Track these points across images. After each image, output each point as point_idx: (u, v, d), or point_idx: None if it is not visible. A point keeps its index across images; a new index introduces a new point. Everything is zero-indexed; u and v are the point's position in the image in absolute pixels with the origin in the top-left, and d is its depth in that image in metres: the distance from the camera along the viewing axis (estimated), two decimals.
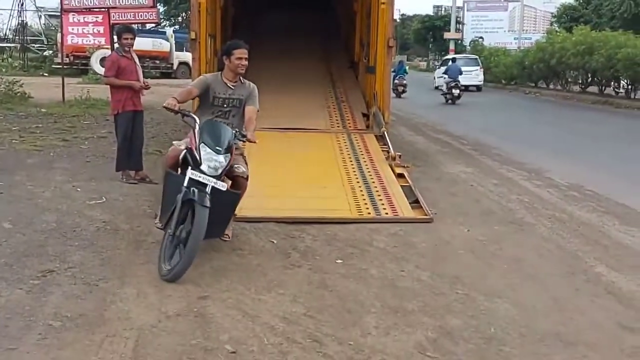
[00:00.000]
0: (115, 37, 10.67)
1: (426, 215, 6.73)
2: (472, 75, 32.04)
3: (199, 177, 4.86)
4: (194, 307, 4.25)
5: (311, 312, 4.26)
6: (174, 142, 5.63)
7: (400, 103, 22.93)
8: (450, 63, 27.02)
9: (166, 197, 5.14)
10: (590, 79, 28.50)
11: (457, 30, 56.81)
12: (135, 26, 19.03)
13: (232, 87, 5.48)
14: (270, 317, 4.15)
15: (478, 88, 33.09)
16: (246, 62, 5.45)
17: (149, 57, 32.83)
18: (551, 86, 32.82)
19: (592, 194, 8.17)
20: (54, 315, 4.01)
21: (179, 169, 5.20)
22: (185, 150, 5.15)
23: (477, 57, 36.81)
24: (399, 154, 8.48)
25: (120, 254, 5.25)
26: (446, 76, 25.67)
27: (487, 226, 6.48)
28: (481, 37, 55.76)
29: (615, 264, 5.39)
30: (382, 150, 8.98)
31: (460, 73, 25.63)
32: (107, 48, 16.98)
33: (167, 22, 51.46)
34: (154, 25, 31.94)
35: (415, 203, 7.06)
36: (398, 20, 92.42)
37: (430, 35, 64.09)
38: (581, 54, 26.55)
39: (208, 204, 4.78)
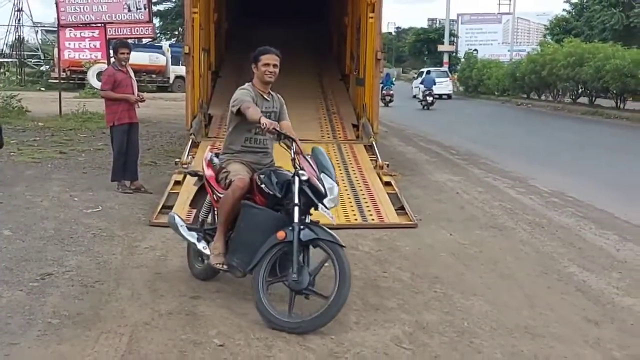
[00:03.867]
0: (111, 52, 10.97)
1: (411, 221, 7.00)
2: (443, 85, 36.19)
3: (326, 212, 4.38)
4: (185, 307, 4.50)
5: (295, 310, 4.50)
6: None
7: (390, 113, 24.42)
8: (425, 75, 32.78)
9: (244, 235, 4.47)
10: (580, 90, 28.87)
11: (451, 42, 57.35)
12: (131, 41, 19.39)
13: (268, 100, 4.87)
14: (257, 315, 4.37)
15: (448, 96, 37.31)
16: (275, 70, 4.78)
17: (146, 71, 33.22)
18: (543, 97, 33.24)
19: (572, 200, 8.45)
20: (52, 313, 4.26)
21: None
22: (261, 178, 4.56)
23: (446, 70, 42.49)
24: (387, 162, 8.77)
25: (115, 259, 5.51)
26: (422, 86, 30.44)
27: (469, 231, 6.74)
28: (475, 50, 56.24)
29: (588, 264, 5.66)
30: (371, 160, 9.26)
31: (434, 83, 30.49)
32: (103, 62, 17.29)
33: (164, 36, 51.87)
34: (150, 39, 32.34)
35: (401, 209, 7.34)
36: (393, 34, 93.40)
37: (425, 48, 64.57)
38: (571, 65, 26.94)
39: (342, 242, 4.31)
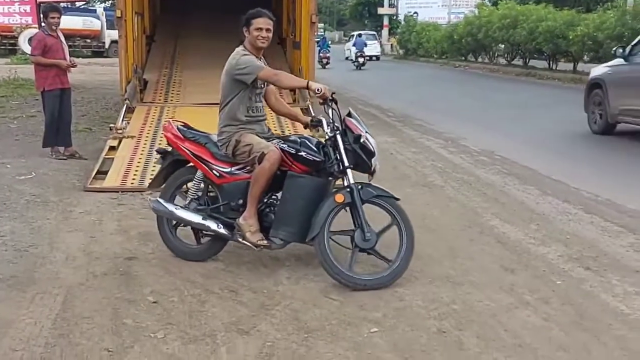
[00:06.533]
0: (42, 16, 10.71)
1: None
2: (372, 47, 38.56)
3: (376, 165, 4.57)
4: (120, 267, 4.60)
5: (230, 268, 4.66)
6: (253, 141, 4.57)
7: (328, 75, 25.52)
8: (356, 38, 35.46)
9: (293, 207, 4.42)
10: (515, 51, 29.53)
11: (392, 5, 57.54)
12: (64, 4, 18.86)
13: (265, 65, 4.70)
14: (191, 273, 4.53)
15: (377, 57, 39.85)
16: (268, 35, 4.60)
17: (80, 35, 32.36)
18: (480, 59, 33.84)
19: (500, 159, 8.81)
20: None
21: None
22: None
23: (375, 33, 46.51)
24: None
25: (49, 223, 5.54)
26: (354, 48, 33.40)
27: (400, 189, 6.91)
28: (415, 12, 56.53)
29: (509, 217, 5.98)
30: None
31: (365, 45, 33.28)
32: (34, 27, 16.80)
33: (98, 0, 50.37)
34: (84, 3, 31.42)
35: None
36: None
37: (366, 11, 64.58)
38: (506, 27, 27.47)
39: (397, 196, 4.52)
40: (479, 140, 10.21)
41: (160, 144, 8.06)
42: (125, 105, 9.34)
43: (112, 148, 7.81)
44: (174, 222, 4.83)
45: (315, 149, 4.50)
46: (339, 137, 4.47)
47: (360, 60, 31.64)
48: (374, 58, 38.09)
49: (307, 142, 4.54)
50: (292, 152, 4.47)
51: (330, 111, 4.53)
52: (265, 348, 3.47)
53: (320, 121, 4.72)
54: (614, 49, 11.11)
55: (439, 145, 10.00)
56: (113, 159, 7.44)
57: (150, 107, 9.95)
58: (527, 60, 28.33)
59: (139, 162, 7.42)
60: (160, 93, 11.02)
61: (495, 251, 5.10)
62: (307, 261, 4.81)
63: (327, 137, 4.58)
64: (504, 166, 8.28)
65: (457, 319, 3.85)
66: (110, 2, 46.49)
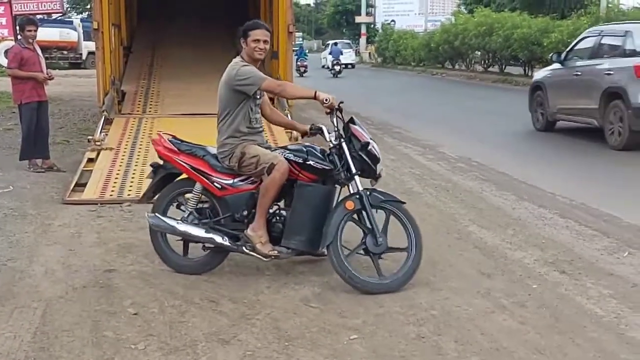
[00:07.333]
0: (18, 29, 10.66)
1: None
2: (347, 55, 39.25)
3: (381, 171, 4.71)
4: (100, 280, 4.60)
5: (211, 278, 4.68)
6: (259, 152, 4.57)
7: (308, 83, 25.18)
8: (332, 46, 36.62)
9: (303, 216, 4.48)
10: (491, 58, 29.85)
11: (369, 14, 57.91)
12: (40, 16, 18.75)
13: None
14: (171, 284, 4.54)
15: (352, 65, 40.47)
16: (266, 46, 4.60)
17: (57, 47, 32.12)
18: (457, 67, 34.15)
19: (477, 165, 8.92)
20: None
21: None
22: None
23: (350, 42, 48.48)
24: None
25: (28, 237, 5.53)
26: (330, 56, 34.75)
27: None
28: (393, 21, 56.94)
29: (486, 223, 6.06)
30: (286, 132, 9.43)
31: (341, 54, 34.56)
32: (11, 40, 16.70)
33: (75, 11, 50.11)
34: (60, 14, 31.21)
35: None
36: (312, 5, 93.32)
37: (344, 20, 64.92)
38: (482, 34, 27.78)
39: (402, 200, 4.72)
40: (456, 147, 10.32)
41: (139, 155, 8.09)
42: (103, 117, 9.33)
43: (91, 160, 7.79)
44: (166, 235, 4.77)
45: (322, 157, 4.56)
46: (344, 145, 4.53)
47: (337, 68, 32.53)
48: (349, 66, 38.91)
49: (313, 150, 4.60)
50: (300, 161, 4.51)
51: (334, 119, 4.59)
52: (246, 357, 3.50)
53: (320, 129, 4.75)
54: (551, 54, 12.58)
55: (417, 152, 10.09)
56: (91, 171, 7.43)
57: (129, 118, 9.95)
58: (503, 67, 28.64)
59: (117, 174, 7.41)
60: (139, 104, 11.02)
61: (473, 256, 5.17)
62: (287, 270, 4.85)
63: (331, 144, 4.63)
64: (481, 172, 8.38)
65: (436, 324, 3.91)
66: (87, 13, 46.34)
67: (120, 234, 5.68)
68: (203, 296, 4.34)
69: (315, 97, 4.49)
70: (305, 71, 33.46)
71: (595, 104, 10.21)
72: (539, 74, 13.07)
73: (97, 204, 6.60)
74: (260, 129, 4.80)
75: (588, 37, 11.60)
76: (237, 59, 4.64)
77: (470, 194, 7.26)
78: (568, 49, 11.97)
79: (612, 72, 10.04)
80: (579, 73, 10.95)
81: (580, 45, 11.58)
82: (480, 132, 12.19)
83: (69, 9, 44.76)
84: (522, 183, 7.73)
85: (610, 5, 22.98)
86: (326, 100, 4.44)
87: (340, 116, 4.62)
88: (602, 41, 10.91)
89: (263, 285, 4.57)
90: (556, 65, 11.92)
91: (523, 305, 4.17)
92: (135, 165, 7.70)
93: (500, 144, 10.81)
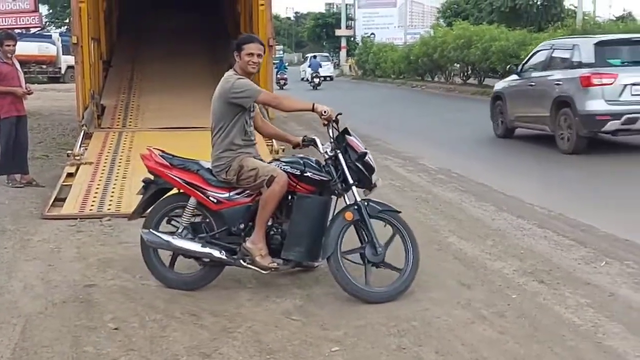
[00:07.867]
0: None
1: None
2: (326, 68, 39.98)
3: (377, 180, 4.74)
4: (80, 295, 4.58)
5: (192, 292, 4.67)
6: (258, 164, 4.62)
7: (285, 94, 25.21)
8: (311, 59, 37.44)
9: (303, 227, 4.52)
10: (470, 71, 30.12)
11: (349, 27, 58.24)
12: (19, 30, 18.62)
13: None
14: (152, 298, 4.53)
15: (331, 78, 40.81)
16: (259, 60, 4.65)
17: (35, 61, 31.96)
18: (436, 79, 34.38)
19: (456, 176, 8.99)
20: None
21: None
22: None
23: (328, 54, 51.15)
24: (283, 147, 8.97)
25: (7, 252, 5.49)
26: (309, 69, 35.53)
27: None
28: (373, 34, 57.26)
29: (466, 234, 6.11)
30: (267, 145, 9.45)
31: (320, 66, 35.31)
32: None
33: (54, 25, 49.89)
34: (38, 29, 31.03)
35: None
36: (292, 19, 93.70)
37: (324, 33, 65.22)
38: (460, 47, 27.99)
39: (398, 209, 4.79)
40: (436, 159, 10.40)
41: (118, 169, 8.06)
42: (82, 132, 9.30)
43: (70, 175, 7.76)
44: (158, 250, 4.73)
45: (318, 168, 4.60)
46: (340, 156, 4.57)
47: (316, 80, 33.31)
48: (327, 78, 39.42)
49: (309, 162, 4.64)
50: (297, 173, 4.54)
51: (331, 130, 4.62)
52: None
53: (313, 140, 4.80)
54: (508, 66, 13.53)
55: (397, 164, 10.15)
56: (71, 185, 7.40)
57: (108, 132, 9.91)
58: (482, 79, 28.88)
59: (97, 189, 7.38)
60: (118, 118, 10.99)
61: (453, 267, 5.21)
62: (268, 283, 4.85)
63: (326, 155, 4.67)
64: (460, 184, 8.45)
65: (416, 335, 3.94)
66: (66, 27, 46.14)
67: (100, 248, 5.66)
68: (184, 310, 4.34)
69: (313, 109, 4.52)
70: (285, 84, 33.85)
71: (547, 112, 10.94)
72: (499, 84, 13.94)
73: (76, 218, 6.57)
74: (254, 142, 4.81)
75: (541, 50, 12.43)
76: (231, 72, 4.65)
77: (450, 205, 7.32)
78: (524, 61, 12.84)
79: (561, 83, 10.80)
80: (533, 83, 11.72)
81: (535, 58, 12.35)
82: (459, 144, 12.31)
83: (47, 23, 44.55)
84: (501, 194, 7.79)
85: (586, 18, 23.34)
86: (325, 112, 4.49)
87: (337, 127, 4.65)
88: (554, 54, 11.73)
89: (244, 298, 4.57)
90: (514, 77, 12.74)
91: (502, 315, 4.22)
92: (115, 180, 7.67)
93: (478, 156, 10.97)
